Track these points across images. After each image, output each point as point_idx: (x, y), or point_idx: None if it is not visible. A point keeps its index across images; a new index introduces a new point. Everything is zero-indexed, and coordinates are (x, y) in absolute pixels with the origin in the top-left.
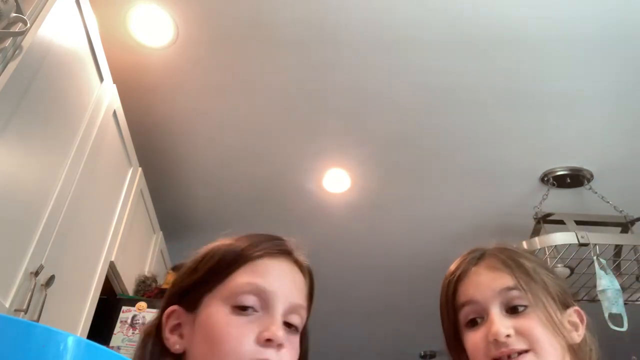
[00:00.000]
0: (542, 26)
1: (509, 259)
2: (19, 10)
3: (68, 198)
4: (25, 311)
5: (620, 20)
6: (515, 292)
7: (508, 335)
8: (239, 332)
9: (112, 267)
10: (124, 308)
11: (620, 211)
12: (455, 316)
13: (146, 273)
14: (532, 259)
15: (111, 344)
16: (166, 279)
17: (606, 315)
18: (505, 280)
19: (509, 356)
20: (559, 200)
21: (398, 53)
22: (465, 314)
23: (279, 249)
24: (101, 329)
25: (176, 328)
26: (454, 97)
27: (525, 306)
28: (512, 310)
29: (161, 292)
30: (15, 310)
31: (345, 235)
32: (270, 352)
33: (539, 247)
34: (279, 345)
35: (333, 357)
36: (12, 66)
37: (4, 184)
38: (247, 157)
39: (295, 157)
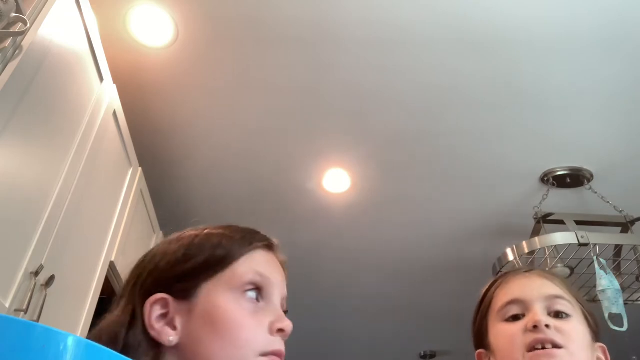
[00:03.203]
0: (542, 26)
1: (561, 279)
2: (19, 10)
3: (68, 198)
4: (25, 311)
5: (620, 20)
6: (561, 301)
7: (547, 326)
8: (253, 322)
9: (112, 267)
10: None
11: (620, 211)
12: (484, 313)
13: None
14: (577, 291)
15: None
16: None
17: (606, 315)
18: (554, 289)
19: (543, 346)
20: (559, 200)
21: (398, 52)
22: (508, 311)
23: (271, 242)
24: None
25: (162, 318)
26: (454, 96)
27: (569, 315)
28: (555, 314)
29: None
30: (15, 310)
31: (345, 235)
32: (280, 343)
33: (539, 247)
34: (285, 335)
35: (333, 357)
36: (12, 66)
37: (4, 184)
38: (247, 157)
39: (295, 157)
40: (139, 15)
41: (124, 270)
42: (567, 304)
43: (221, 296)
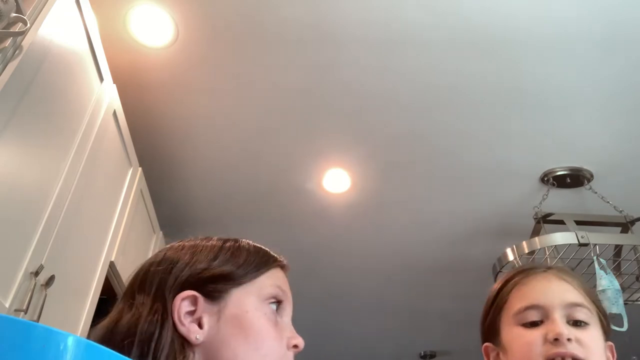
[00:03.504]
0: (542, 26)
1: (579, 280)
2: (19, 10)
3: (68, 198)
4: (25, 311)
5: (621, 20)
6: (581, 309)
7: (569, 340)
8: (277, 333)
9: (112, 267)
10: None
11: (620, 211)
12: (498, 311)
13: None
14: (592, 289)
15: None
16: None
17: None
18: (574, 295)
19: (562, 358)
20: (559, 200)
21: (398, 53)
22: (526, 316)
23: (284, 264)
24: None
25: (190, 314)
26: (455, 97)
27: (587, 324)
28: (573, 322)
29: None
30: (15, 310)
31: (345, 235)
32: (292, 358)
33: (539, 247)
34: (297, 351)
35: (333, 357)
36: (12, 66)
37: (4, 184)
38: (247, 157)
39: (295, 157)
40: (139, 15)
41: (124, 270)
42: (586, 312)
43: (250, 304)
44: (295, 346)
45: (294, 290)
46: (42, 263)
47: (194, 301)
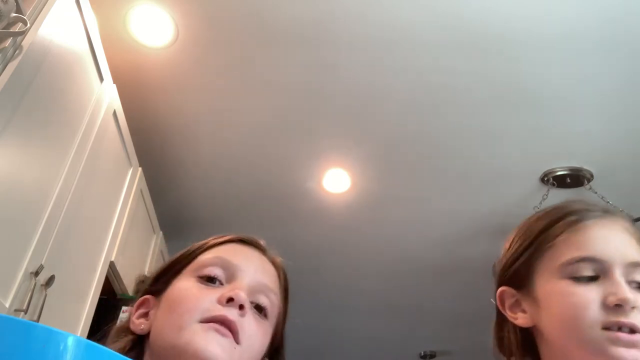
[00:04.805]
0: (542, 26)
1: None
2: (19, 10)
3: (68, 198)
4: (25, 311)
5: (620, 20)
6: None
7: (633, 307)
8: (200, 293)
9: (112, 267)
10: (124, 308)
11: (621, 211)
12: (537, 255)
13: (146, 273)
14: None
15: None
16: None
17: None
18: (637, 252)
19: (619, 327)
20: (559, 201)
21: (398, 53)
22: (578, 269)
23: (250, 238)
24: (101, 329)
25: (144, 315)
26: (455, 96)
27: None
28: (633, 284)
29: None
30: (15, 310)
31: (346, 235)
32: (228, 310)
33: None
34: (241, 307)
35: (332, 357)
36: (12, 66)
37: (4, 184)
38: (247, 157)
39: (295, 157)
40: (139, 15)
41: (124, 270)
42: None
43: (181, 281)
44: (230, 299)
45: (293, 289)
46: (42, 263)
47: (147, 303)
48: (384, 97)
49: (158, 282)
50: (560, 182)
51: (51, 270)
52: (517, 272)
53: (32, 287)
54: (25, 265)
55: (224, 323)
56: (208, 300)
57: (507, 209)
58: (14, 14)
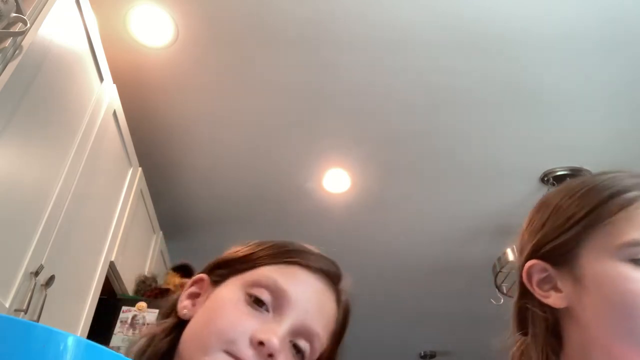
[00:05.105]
0: (542, 26)
1: None
2: (19, 10)
3: (68, 198)
4: (25, 311)
5: (620, 20)
6: None
7: None
8: (237, 318)
9: (112, 267)
10: (124, 308)
11: None
12: (589, 231)
13: (146, 273)
14: None
15: (111, 344)
16: (166, 279)
17: None
18: None
19: None
20: None
21: (398, 53)
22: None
23: (327, 269)
24: (101, 329)
25: (194, 296)
26: (455, 96)
27: None
28: None
29: (161, 292)
30: (15, 310)
31: (345, 235)
32: (254, 357)
33: None
34: (270, 356)
35: None
36: (12, 66)
37: (4, 184)
38: (247, 157)
39: (295, 157)
40: (139, 15)
41: (124, 270)
42: None
43: (230, 288)
44: (261, 343)
45: None
46: (42, 263)
47: (202, 284)
48: (384, 97)
49: (218, 271)
50: (560, 182)
51: (51, 270)
52: (558, 247)
53: (32, 287)
54: (25, 265)
55: None
56: (241, 331)
57: (507, 209)
58: (14, 14)
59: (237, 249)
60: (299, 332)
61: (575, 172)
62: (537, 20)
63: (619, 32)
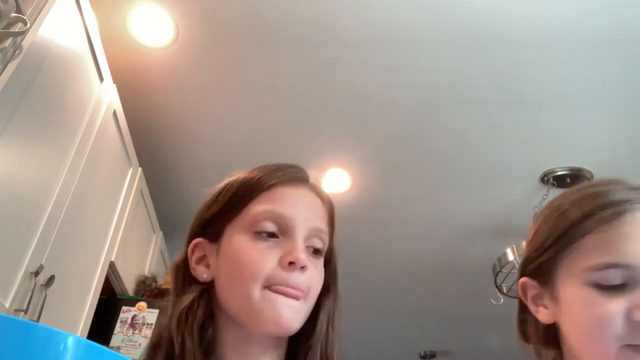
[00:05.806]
0: (542, 26)
1: None
2: (19, 10)
3: (68, 198)
4: (25, 311)
5: (620, 20)
6: None
7: None
8: (259, 255)
9: (112, 267)
10: (124, 308)
11: None
12: (562, 253)
13: (146, 273)
14: None
15: (111, 344)
16: (166, 279)
17: None
18: None
19: None
20: None
21: (398, 53)
22: (606, 277)
23: (294, 176)
24: (101, 329)
25: (202, 259)
26: (454, 97)
27: None
28: None
29: (161, 292)
30: (15, 310)
31: (345, 235)
32: (292, 276)
33: None
34: (302, 268)
35: None
36: (12, 66)
37: (4, 184)
38: (247, 157)
39: (295, 157)
40: (139, 15)
41: (124, 270)
42: None
43: (236, 237)
44: (291, 263)
45: None
46: (42, 263)
47: (202, 246)
48: (384, 97)
49: (209, 227)
50: (560, 182)
51: (51, 270)
52: (541, 267)
53: (32, 287)
54: (25, 265)
55: (291, 287)
56: (269, 265)
57: (507, 209)
58: (14, 14)
59: (211, 202)
60: (310, 236)
61: (575, 172)
62: (537, 20)
63: (619, 32)
